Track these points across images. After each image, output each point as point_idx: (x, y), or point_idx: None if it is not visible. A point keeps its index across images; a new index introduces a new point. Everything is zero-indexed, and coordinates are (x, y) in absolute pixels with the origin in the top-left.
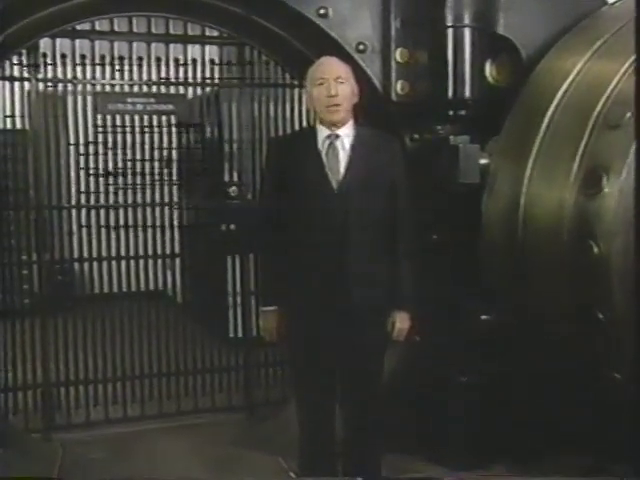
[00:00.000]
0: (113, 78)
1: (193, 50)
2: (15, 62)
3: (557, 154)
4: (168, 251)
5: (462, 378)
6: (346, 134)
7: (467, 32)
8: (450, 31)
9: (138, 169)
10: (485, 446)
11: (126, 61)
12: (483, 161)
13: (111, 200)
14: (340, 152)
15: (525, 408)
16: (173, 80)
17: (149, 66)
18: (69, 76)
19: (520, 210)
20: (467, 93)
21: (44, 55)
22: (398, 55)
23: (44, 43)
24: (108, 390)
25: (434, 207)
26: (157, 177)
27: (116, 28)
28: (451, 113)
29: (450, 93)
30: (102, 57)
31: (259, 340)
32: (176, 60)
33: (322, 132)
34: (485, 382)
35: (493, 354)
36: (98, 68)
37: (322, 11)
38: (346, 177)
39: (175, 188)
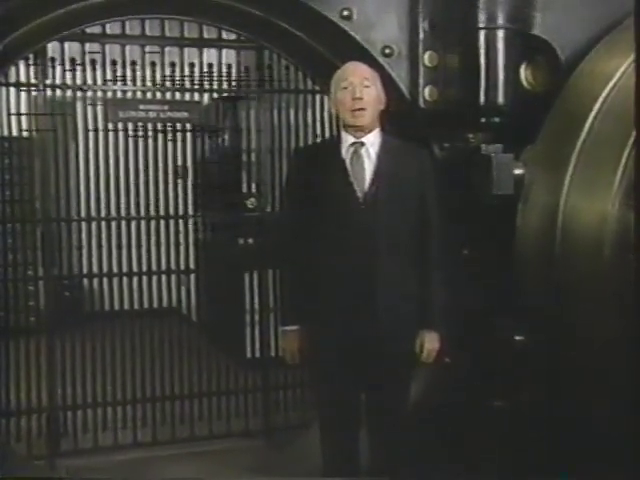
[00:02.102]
0: (125, 84)
1: (209, 54)
2: (22, 67)
3: (598, 163)
4: (183, 266)
5: (495, 403)
6: (371, 142)
7: (500, 33)
8: (482, 33)
9: (151, 180)
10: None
11: (138, 66)
12: (517, 171)
13: (122, 212)
14: (365, 161)
15: (564, 436)
16: (188, 86)
17: (163, 71)
18: (78, 82)
19: (558, 224)
20: (500, 99)
21: (52, 60)
22: (427, 59)
23: (52, 47)
24: (117, 414)
25: (465, 220)
26: (171, 188)
27: (128, 31)
28: (483, 120)
29: (482, 99)
30: (113, 62)
31: (278, 361)
32: (191, 65)
33: (346, 140)
34: (520, 407)
35: (528, 377)
36: (109, 73)
37: (346, 12)
38: (372, 187)
39: (190, 200)
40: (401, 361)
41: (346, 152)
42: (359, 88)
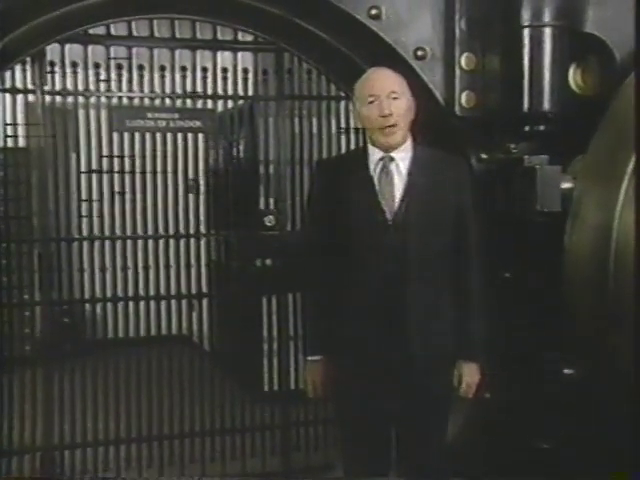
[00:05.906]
0: (131, 90)
1: (223, 57)
2: (18, 71)
3: None
4: (194, 290)
5: (543, 444)
6: (401, 156)
7: (547, 32)
8: (526, 31)
9: (159, 195)
10: None
11: (146, 70)
12: (565, 185)
13: (128, 231)
14: (395, 177)
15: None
16: (200, 92)
17: (173, 76)
18: (80, 87)
19: (611, 243)
20: (546, 104)
21: (52, 63)
22: (463, 61)
23: (52, 49)
24: (121, 453)
25: (507, 240)
26: (182, 204)
27: (135, 32)
28: (527, 129)
29: (526, 105)
30: (119, 66)
31: (299, 395)
32: (204, 69)
33: (374, 154)
34: (571, 449)
35: (579, 415)
36: (114, 78)
37: (374, 11)
38: (402, 206)
39: (202, 217)
40: (436, 395)
41: (374, 168)
42: (387, 102)
